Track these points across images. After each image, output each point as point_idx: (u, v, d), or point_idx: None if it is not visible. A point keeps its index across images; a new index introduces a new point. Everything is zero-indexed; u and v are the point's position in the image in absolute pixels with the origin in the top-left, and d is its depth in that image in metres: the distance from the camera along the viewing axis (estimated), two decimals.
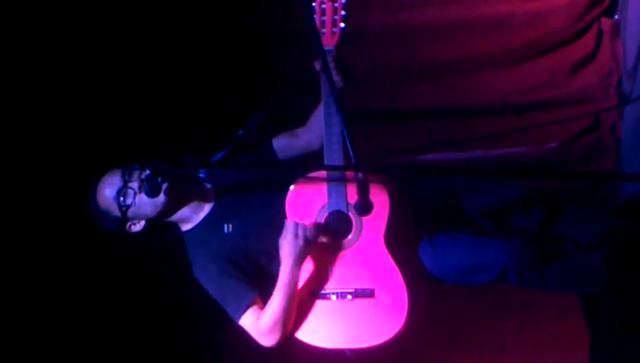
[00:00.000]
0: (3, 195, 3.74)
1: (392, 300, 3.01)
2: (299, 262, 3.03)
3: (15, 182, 3.76)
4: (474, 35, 4.04)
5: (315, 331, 3.06)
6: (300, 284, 3.07)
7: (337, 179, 3.03)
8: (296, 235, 3.00)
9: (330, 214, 3.06)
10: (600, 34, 4.09)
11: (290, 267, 3.02)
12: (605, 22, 4.09)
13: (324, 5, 3.03)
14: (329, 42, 3.04)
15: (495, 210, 3.27)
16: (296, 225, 3.01)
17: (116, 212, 3.15)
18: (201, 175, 2.74)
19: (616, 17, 4.09)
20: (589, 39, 4.09)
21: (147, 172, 2.82)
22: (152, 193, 2.89)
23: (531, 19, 4.03)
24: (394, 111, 4.12)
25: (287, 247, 3.02)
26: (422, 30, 4.04)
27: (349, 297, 3.04)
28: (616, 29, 4.09)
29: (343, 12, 3.03)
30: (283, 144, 3.33)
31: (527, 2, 4.03)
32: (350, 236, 3.06)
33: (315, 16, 3.01)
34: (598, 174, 4.00)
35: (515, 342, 3.94)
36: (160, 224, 3.25)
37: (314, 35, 2.87)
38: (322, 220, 3.07)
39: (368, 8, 3.92)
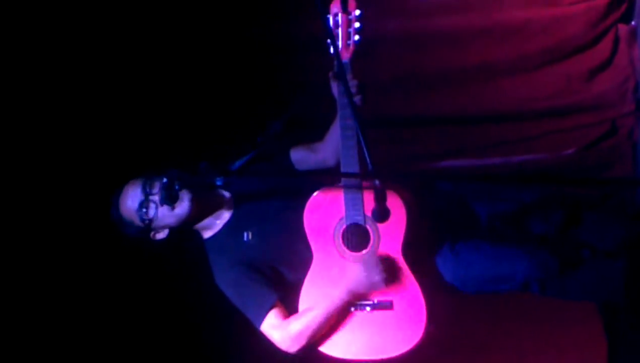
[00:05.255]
0: (28, 201, 3.78)
1: (411, 311, 3.01)
2: (356, 297, 3.04)
3: (38, 187, 3.79)
4: (490, 42, 4.04)
5: (334, 343, 3.06)
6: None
7: (354, 189, 3.01)
8: (372, 282, 3.02)
9: (348, 227, 3.05)
10: (616, 40, 4.08)
11: (348, 298, 3.03)
12: (622, 28, 4.08)
13: (337, 18, 3.01)
14: (343, 55, 3.01)
15: (514, 215, 3.26)
16: (381, 275, 3.00)
17: (139, 223, 3.19)
18: (218, 182, 2.77)
19: (633, 23, 4.07)
20: (605, 45, 4.08)
21: (164, 180, 2.85)
22: (169, 201, 2.87)
23: (548, 25, 4.02)
24: (410, 118, 4.12)
25: (357, 280, 3.03)
26: (438, 37, 4.04)
27: (368, 308, 3.04)
28: (633, 35, 4.07)
29: (358, 25, 3.00)
30: (300, 157, 3.35)
31: (544, 9, 4.03)
32: (367, 249, 3.06)
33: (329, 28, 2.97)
34: (615, 180, 3.99)
35: (533, 348, 3.94)
36: (182, 232, 3.29)
37: (333, 47, 2.87)
38: (340, 232, 3.09)
39: (383, 16, 3.91)
